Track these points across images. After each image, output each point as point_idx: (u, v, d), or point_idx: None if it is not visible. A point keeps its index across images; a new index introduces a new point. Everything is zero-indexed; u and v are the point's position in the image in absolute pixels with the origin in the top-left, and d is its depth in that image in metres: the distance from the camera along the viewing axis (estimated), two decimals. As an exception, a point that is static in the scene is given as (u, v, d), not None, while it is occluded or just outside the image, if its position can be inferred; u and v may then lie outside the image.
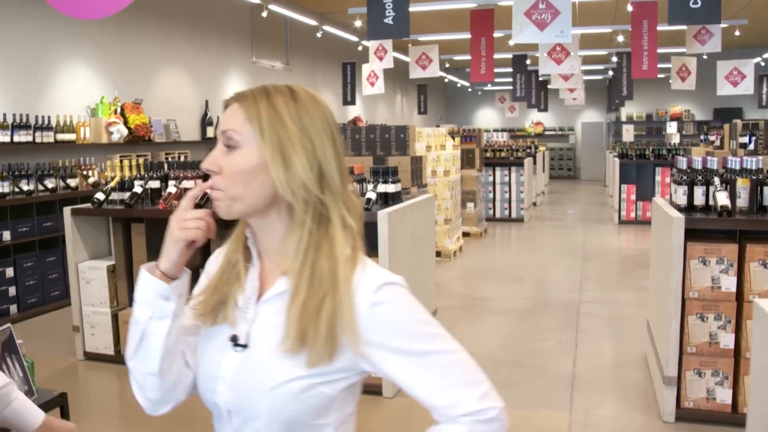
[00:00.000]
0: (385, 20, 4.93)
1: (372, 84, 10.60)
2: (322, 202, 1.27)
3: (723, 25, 9.40)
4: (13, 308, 6.45)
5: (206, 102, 10.24)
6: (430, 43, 10.32)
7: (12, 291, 6.45)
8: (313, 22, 12.17)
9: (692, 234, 3.86)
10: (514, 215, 12.60)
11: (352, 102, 13.63)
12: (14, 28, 7.06)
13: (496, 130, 16.13)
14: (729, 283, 3.79)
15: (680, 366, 3.89)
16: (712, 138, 9.12)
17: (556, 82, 11.80)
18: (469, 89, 25.35)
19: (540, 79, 15.83)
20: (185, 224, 1.26)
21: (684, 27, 9.21)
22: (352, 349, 1.24)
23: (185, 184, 4.84)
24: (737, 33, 12.00)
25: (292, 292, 1.25)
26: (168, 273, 1.28)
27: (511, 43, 5.86)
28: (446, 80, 22.98)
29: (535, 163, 14.68)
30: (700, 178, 4.08)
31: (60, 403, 2.73)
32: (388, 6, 4.88)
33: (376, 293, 1.24)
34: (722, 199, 3.85)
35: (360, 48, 13.79)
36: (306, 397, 1.24)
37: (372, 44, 10.25)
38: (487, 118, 25.58)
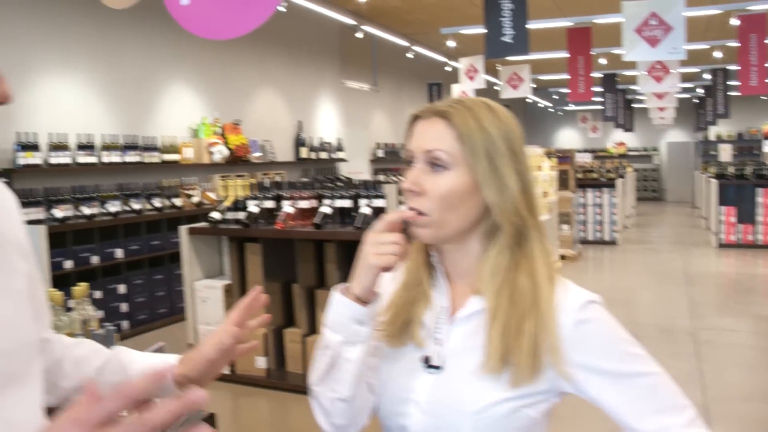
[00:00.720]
0: (503, 38, 4.89)
1: (462, 104, 10.58)
2: (526, 223, 1.23)
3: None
4: (125, 324, 6.62)
5: (299, 123, 10.39)
6: (521, 63, 10.25)
7: (124, 307, 6.62)
8: (403, 43, 12.26)
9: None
10: (606, 237, 12.30)
11: (438, 123, 13.64)
12: (123, 54, 7.32)
13: (578, 151, 15.90)
14: None
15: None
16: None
17: (650, 101, 11.52)
18: (551, 109, 25.09)
19: (627, 97, 15.54)
20: (381, 249, 1.20)
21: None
22: (555, 369, 1.19)
23: (301, 204, 4.88)
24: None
25: (491, 311, 1.21)
26: (361, 297, 1.22)
27: (624, 60, 5.75)
28: (528, 100, 22.81)
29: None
30: None
31: (210, 423, 2.75)
32: (507, 24, 4.85)
33: (581, 312, 1.20)
34: None
35: (448, 68, 13.82)
36: (511, 420, 1.19)
37: (463, 64, 10.24)
38: (569, 139, 25.24)
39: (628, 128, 17.83)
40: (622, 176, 13.95)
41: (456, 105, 1.23)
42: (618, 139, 24.17)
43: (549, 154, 10.83)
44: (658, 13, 5.36)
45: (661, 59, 6.31)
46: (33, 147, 6.09)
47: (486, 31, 4.97)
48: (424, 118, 1.26)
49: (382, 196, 4.78)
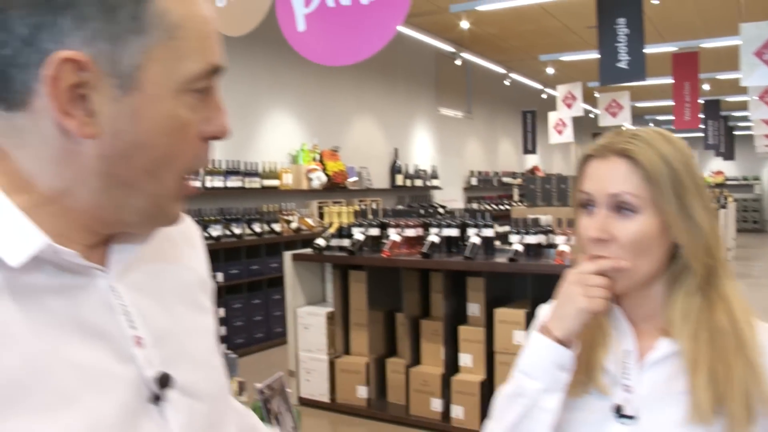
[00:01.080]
0: (619, 64, 4.76)
1: (560, 132, 10.41)
2: (712, 264, 1.15)
3: None
4: (223, 348, 6.69)
5: (395, 150, 10.42)
6: (621, 90, 10.00)
7: (222, 330, 6.71)
8: (500, 70, 12.18)
9: None
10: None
11: (533, 151, 13.46)
12: (227, 80, 7.50)
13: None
14: None
15: None
16: None
17: (758, 127, 11.05)
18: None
19: (728, 124, 14.98)
20: (591, 292, 1.12)
21: None
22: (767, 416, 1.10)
23: (408, 232, 4.84)
24: None
25: (689, 355, 1.13)
26: (564, 341, 1.14)
27: (742, 84, 5.51)
28: (622, 127, 22.29)
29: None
30: None
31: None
32: (622, 49, 4.72)
33: None
34: None
35: (544, 96, 13.65)
36: None
37: (560, 91, 10.08)
38: (661, 167, 24.53)
39: (729, 156, 17.14)
40: (724, 207, 13.40)
41: (636, 141, 1.16)
42: (715, 168, 23.29)
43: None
44: (781, 36, 5.12)
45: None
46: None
47: (599, 56, 4.84)
48: (601, 157, 1.18)
49: (491, 226, 4.71)
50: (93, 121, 0.68)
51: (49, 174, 0.70)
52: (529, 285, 4.45)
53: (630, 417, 1.16)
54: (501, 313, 4.37)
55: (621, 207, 1.15)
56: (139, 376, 0.75)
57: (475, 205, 9.90)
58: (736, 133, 19.07)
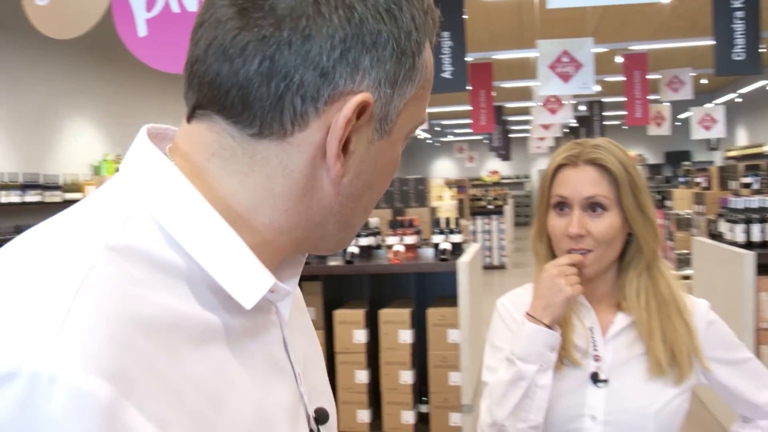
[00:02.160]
0: (443, 74, 5.12)
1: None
2: (655, 247, 1.43)
3: (692, 74, 9.94)
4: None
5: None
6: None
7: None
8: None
9: (759, 269, 4.07)
10: (496, 263, 12.81)
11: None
12: (21, 88, 6.97)
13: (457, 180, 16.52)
14: (797, 314, 4.01)
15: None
16: (698, 180, 9.55)
17: (536, 131, 12.19)
18: (428, 140, 25.85)
19: (506, 128, 16.33)
20: (573, 281, 1.35)
21: (659, 76, 9.74)
22: (699, 364, 1.40)
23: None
24: (704, 81, 12.70)
25: (644, 324, 1.39)
26: (551, 326, 1.35)
27: (540, 94, 6.13)
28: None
29: (505, 210, 15.05)
30: (756, 216, 4.31)
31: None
32: (446, 60, 5.10)
33: (708, 315, 1.45)
34: (786, 234, 4.09)
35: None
36: (678, 411, 1.38)
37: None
38: (445, 169, 26.07)
39: (506, 157, 18.67)
40: (506, 203, 14.62)
41: (601, 151, 1.40)
42: (492, 168, 25.22)
43: (449, 185, 11.21)
44: (570, 51, 5.78)
45: (574, 93, 6.75)
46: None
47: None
48: (572, 165, 1.41)
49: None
50: (348, 160, 0.65)
51: (274, 209, 0.66)
52: (366, 285, 4.64)
53: (604, 381, 1.39)
54: (340, 314, 4.49)
55: (594, 207, 1.39)
56: (306, 413, 0.73)
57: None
58: (511, 136, 20.81)
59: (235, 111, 0.62)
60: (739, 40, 4.59)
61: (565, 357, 1.41)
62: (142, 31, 3.48)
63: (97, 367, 0.49)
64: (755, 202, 4.40)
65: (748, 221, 4.29)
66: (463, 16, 5.17)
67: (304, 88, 0.61)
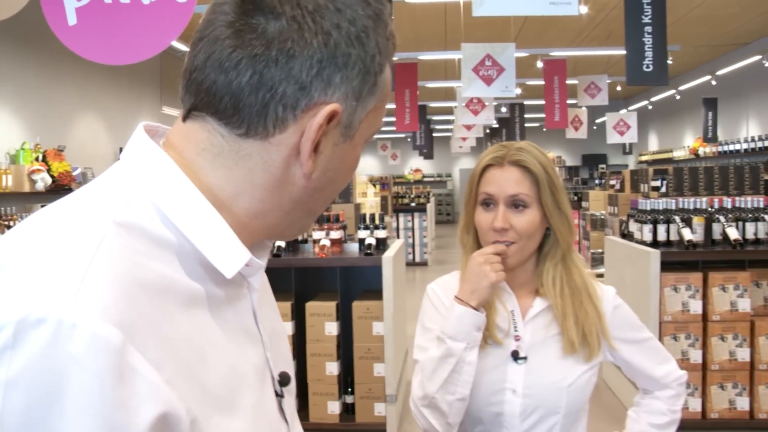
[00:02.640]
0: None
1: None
2: (570, 240, 1.61)
3: (608, 81, 10.38)
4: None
5: (120, 149, 10.05)
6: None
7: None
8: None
9: (662, 266, 4.36)
10: (418, 259, 13.03)
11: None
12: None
13: (381, 178, 16.70)
14: (696, 307, 4.31)
15: (660, 384, 4.37)
16: (612, 182, 9.98)
17: (458, 131, 12.46)
18: (351, 137, 25.93)
19: (430, 127, 16.59)
20: (497, 267, 1.52)
21: (575, 81, 10.13)
22: (606, 343, 1.59)
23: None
24: (619, 88, 13.24)
25: (559, 308, 1.57)
26: (478, 308, 1.51)
27: (464, 95, 6.32)
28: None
29: (428, 208, 15.31)
30: (661, 216, 4.61)
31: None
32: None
33: (614, 300, 1.65)
34: (688, 234, 4.40)
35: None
36: (587, 385, 1.57)
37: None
38: (369, 166, 26.23)
39: (429, 156, 18.96)
40: (429, 201, 14.89)
41: (524, 153, 1.56)
42: (415, 166, 25.53)
43: (372, 182, 11.36)
44: (492, 55, 5.98)
45: (496, 96, 6.97)
46: None
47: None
48: (498, 166, 1.58)
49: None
50: (317, 159, 0.77)
51: (252, 197, 0.78)
52: (293, 278, 4.73)
53: (523, 358, 1.56)
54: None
55: (517, 204, 1.55)
56: (271, 376, 0.86)
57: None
58: (435, 135, 21.14)
59: (226, 114, 0.74)
60: (648, 53, 4.89)
61: (488, 337, 1.56)
62: (71, 19, 3.45)
63: (110, 317, 0.61)
64: (661, 204, 4.70)
65: (654, 222, 4.59)
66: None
67: (285, 98, 0.73)
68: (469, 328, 1.49)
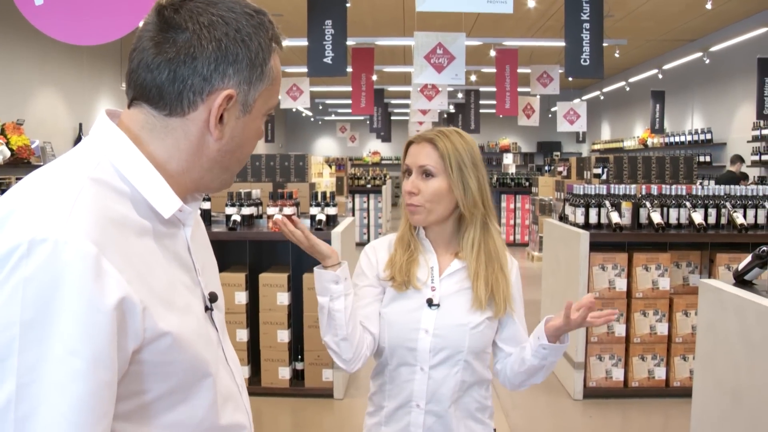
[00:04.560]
0: (325, 59, 5.47)
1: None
2: (485, 213, 1.91)
3: (560, 71, 10.74)
4: None
5: (80, 125, 10.11)
6: (301, 76, 10.88)
7: None
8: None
9: (591, 246, 4.71)
10: (372, 239, 13.28)
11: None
12: None
13: (337, 159, 16.90)
14: (621, 284, 4.68)
15: (586, 353, 4.74)
16: (560, 169, 10.37)
17: (414, 115, 12.73)
18: (312, 119, 26.04)
19: (388, 110, 16.82)
20: (291, 228, 1.81)
21: (530, 71, 10.45)
22: (507, 304, 1.92)
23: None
24: (570, 78, 13.60)
25: (473, 269, 1.88)
26: (330, 266, 1.82)
27: (415, 81, 6.60)
28: (291, 109, 23.51)
29: (385, 190, 15.56)
30: (593, 201, 4.96)
31: None
32: (328, 47, 5.42)
33: (513, 266, 1.97)
34: (616, 218, 4.76)
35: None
36: (486, 332, 1.89)
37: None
38: (327, 147, 26.39)
39: (387, 139, 19.21)
40: (385, 183, 15.16)
41: (438, 134, 1.88)
42: (373, 149, 25.75)
43: (328, 162, 11.58)
44: (444, 44, 6.26)
45: (446, 83, 7.24)
46: None
47: (308, 50, 5.51)
48: (417, 143, 1.90)
49: (208, 199, 5.13)
50: (222, 129, 1.08)
51: (180, 159, 1.07)
52: (247, 250, 4.97)
53: (437, 305, 1.87)
54: (223, 277, 4.75)
55: (425, 173, 1.86)
56: (201, 293, 1.15)
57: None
58: (393, 118, 21.40)
59: (155, 101, 1.04)
60: (586, 48, 5.23)
61: (408, 283, 1.89)
62: (38, 0, 3.60)
63: (89, 237, 0.90)
64: (593, 189, 5.05)
65: (587, 206, 4.94)
66: (347, 5, 5.54)
67: (194, 87, 1.04)
68: (325, 284, 1.80)
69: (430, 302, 1.87)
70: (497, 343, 1.97)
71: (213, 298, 1.18)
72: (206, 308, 1.15)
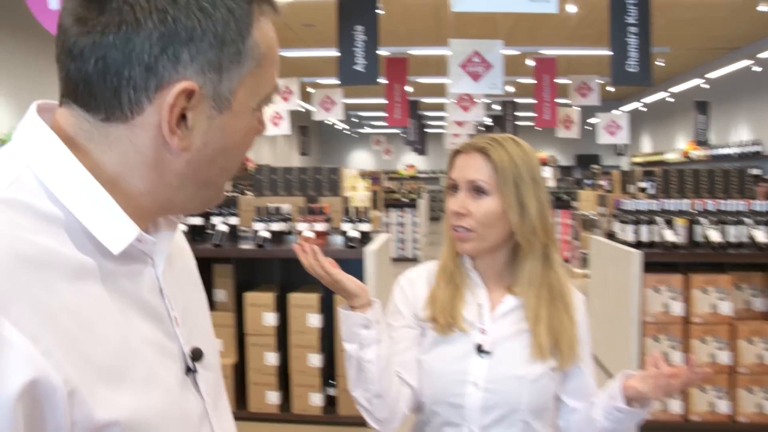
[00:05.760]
0: (355, 67, 5.22)
1: (276, 125, 10.76)
2: (546, 241, 1.58)
3: (599, 81, 10.39)
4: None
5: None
6: (334, 87, 10.68)
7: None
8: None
9: (644, 267, 4.36)
10: (409, 255, 13.02)
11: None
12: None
13: (372, 172, 16.68)
14: (677, 308, 4.33)
15: (639, 384, 4.38)
16: (602, 183, 10.00)
17: (450, 127, 12.45)
18: (345, 131, 25.91)
19: (422, 122, 16.58)
20: (321, 261, 1.53)
21: (569, 82, 10.14)
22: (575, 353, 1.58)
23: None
24: (611, 89, 13.26)
25: (532, 309, 1.55)
26: (359, 306, 1.51)
27: (451, 92, 6.33)
28: (325, 121, 23.41)
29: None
30: (644, 217, 4.62)
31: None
32: (359, 53, 5.18)
33: (580, 303, 1.63)
34: (670, 236, 4.41)
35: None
36: (549, 386, 1.55)
37: (279, 86, 10.45)
38: (362, 160, 26.23)
39: (422, 152, 18.95)
40: (421, 197, 14.89)
41: (492, 142, 1.55)
42: (409, 162, 25.49)
43: (363, 176, 11.35)
44: (480, 52, 5.98)
45: (483, 92, 6.97)
46: None
47: (339, 58, 5.27)
48: (466, 153, 1.57)
49: (236, 215, 4.91)
50: (188, 136, 0.77)
51: (134, 177, 0.78)
52: (276, 269, 4.72)
53: (487, 352, 1.54)
54: (251, 297, 4.56)
55: (477, 190, 1.53)
56: (180, 351, 0.86)
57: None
58: (427, 131, 21.13)
59: (85, 101, 0.75)
60: (633, 53, 4.91)
61: (453, 325, 1.56)
62: (53, 3, 3.44)
63: None
64: (644, 204, 4.72)
65: (637, 222, 4.60)
66: (378, 11, 5.29)
67: (133, 81, 0.73)
68: (353, 328, 1.49)
69: (479, 348, 1.55)
70: (561, 397, 1.63)
71: (196, 355, 0.88)
72: (187, 370, 0.87)
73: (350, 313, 1.50)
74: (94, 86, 0.74)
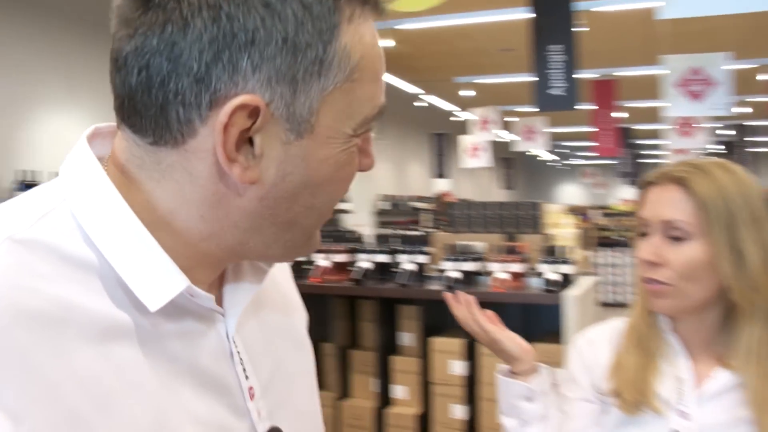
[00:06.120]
0: (551, 91, 4.81)
1: (475, 156, 10.49)
2: None
3: None
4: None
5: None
6: (536, 115, 10.19)
7: None
8: (415, 90, 12.17)
9: None
10: (622, 299, 11.88)
11: (444, 175, 13.47)
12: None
13: (579, 207, 15.80)
14: None
15: None
16: None
17: (671, 156, 11.49)
18: (550, 163, 25.18)
19: (637, 152, 15.61)
20: (474, 320, 1.43)
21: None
22: None
23: (337, 258, 4.67)
24: None
25: (755, 390, 1.17)
26: (519, 373, 1.35)
27: (669, 115, 5.71)
28: (526, 152, 22.91)
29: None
30: None
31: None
32: (555, 76, 4.77)
33: None
34: None
35: (454, 118, 13.78)
36: None
37: (478, 115, 10.19)
38: (571, 194, 25.28)
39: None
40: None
41: (693, 170, 1.21)
42: (624, 195, 24.12)
43: (569, 211, 10.70)
44: (700, 68, 5.33)
45: (705, 114, 6.28)
46: (33, 186, 5.70)
47: (536, 82, 4.88)
48: (659, 184, 1.25)
49: (425, 252, 4.63)
50: (257, 165, 0.63)
51: (191, 215, 0.66)
52: (466, 313, 4.35)
53: None
54: (438, 343, 4.25)
55: (674, 235, 1.20)
56: (252, 431, 0.72)
57: (387, 231, 9.83)
58: (642, 161, 19.89)
59: (132, 121, 0.64)
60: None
61: (644, 403, 1.24)
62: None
63: None
64: None
65: None
66: (575, 29, 4.84)
67: (183, 96, 0.60)
68: (513, 400, 1.34)
69: None
70: None
71: None
72: None
73: (510, 380, 1.36)
74: (138, 102, 0.62)
